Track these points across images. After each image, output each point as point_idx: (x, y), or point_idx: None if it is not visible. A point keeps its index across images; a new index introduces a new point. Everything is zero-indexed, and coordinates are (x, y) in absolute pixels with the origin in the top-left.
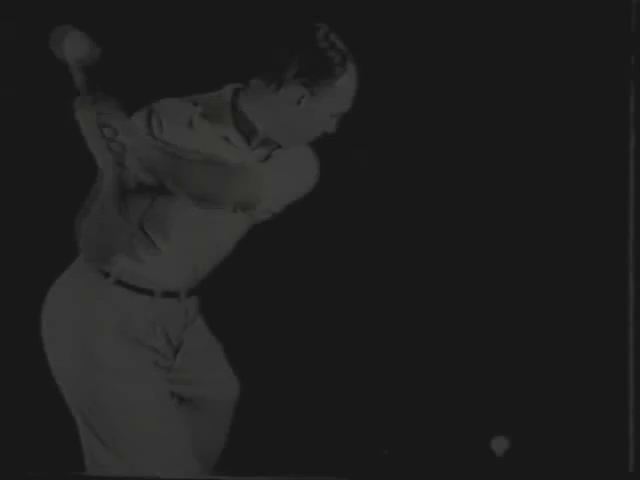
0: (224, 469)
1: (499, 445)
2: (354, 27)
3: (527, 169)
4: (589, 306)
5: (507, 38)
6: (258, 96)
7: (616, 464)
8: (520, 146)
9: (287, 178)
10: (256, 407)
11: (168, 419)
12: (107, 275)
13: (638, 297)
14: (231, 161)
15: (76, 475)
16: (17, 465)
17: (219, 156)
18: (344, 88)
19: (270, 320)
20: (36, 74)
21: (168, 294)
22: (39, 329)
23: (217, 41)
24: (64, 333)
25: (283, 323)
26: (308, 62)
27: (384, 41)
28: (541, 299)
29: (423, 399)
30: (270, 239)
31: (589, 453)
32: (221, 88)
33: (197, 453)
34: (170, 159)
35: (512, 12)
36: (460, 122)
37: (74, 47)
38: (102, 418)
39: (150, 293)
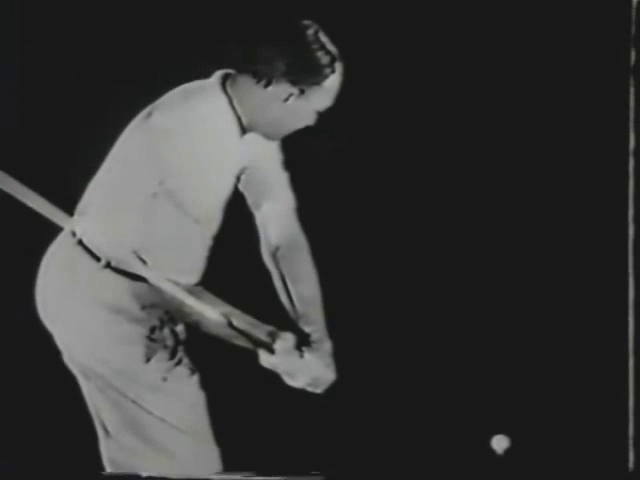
0: (224, 469)
1: (499, 444)
2: (343, 23)
3: (526, 169)
4: (589, 306)
5: (506, 38)
6: (246, 90)
7: (616, 463)
8: (519, 146)
9: None
10: (255, 406)
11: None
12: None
13: (638, 297)
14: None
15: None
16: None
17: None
18: (331, 87)
19: (268, 320)
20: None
21: None
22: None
23: (207, 36)
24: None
25: (281, 323)
26: (298, 63)
27: (374, 36)
28: (540, 299)
29: (423, 397)
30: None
31: (589, 453)
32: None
33: None
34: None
35: (511, 11)
36: (458, 122)
37: None
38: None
39: None
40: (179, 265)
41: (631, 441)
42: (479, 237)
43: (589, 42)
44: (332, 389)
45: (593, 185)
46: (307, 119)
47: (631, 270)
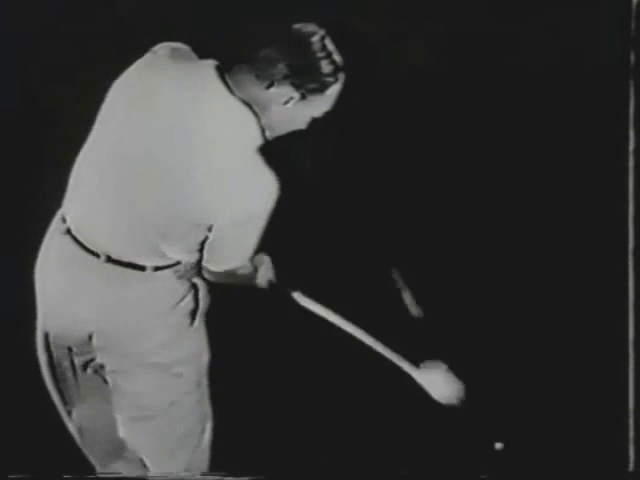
0: (222, 469)
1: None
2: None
3: (527, 169)
4: (589, 306)
5: (506, 38)
6: (245, 87)
7: (616, 463)
8: (520, 146)
9: None
10: (255, 407)
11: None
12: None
13: (638, 297)
14: None
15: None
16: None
17: None
18: (332, 95)
19: (269, 322)
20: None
21: None
22: None
23: (212, 37)
24: None
25: (282, 325)
26: (301, 69)
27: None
28: (540, 299)
29: (422, 400)
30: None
31: (589, 453)
32: None
33: None
34: None
35: (512, 12)
36: (459, 122)
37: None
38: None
39: None
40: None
41: (631, 441)
42: (479, 237)
43: (589, 42)
44: (328, 392)
45: (593, 185)
46: (302, 123)
47: (631, 270)
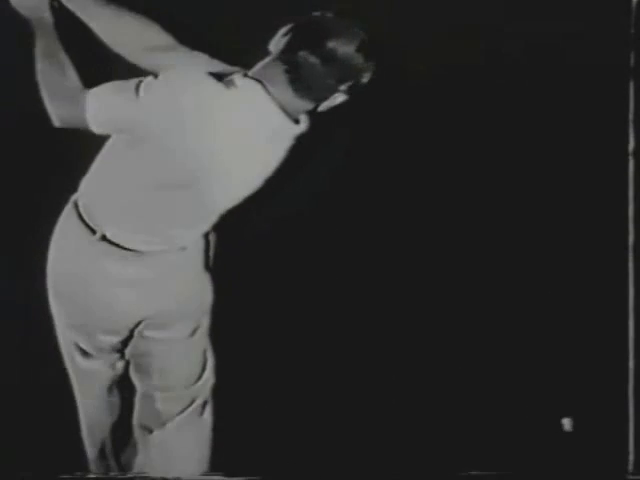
0: (222, 469)
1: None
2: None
3: (527, 169)
4: (589, 307)
5: (507, 38)
6: (297, 108)
7: (616, 464)
8: (519, 146)
9: None
10: (254, 408)
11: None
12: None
13: (638, 298)
14: None
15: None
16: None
17: None
18: None
19: (270, 322)
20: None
21: None
22: None
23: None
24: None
25: (283, 326)
26: (351, 80)
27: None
28: (540, 299)
29: (420, 399)
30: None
31: (589, 453)
32: None
33: None
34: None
35: (512, 12)
36: (457, 123)
37: None
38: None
39: None
40: None
41: (631, 442)
42: (480, 237)
43: (589, 42)
44: (330, 392)
45: (593, 186)
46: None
47: (631, 270)
